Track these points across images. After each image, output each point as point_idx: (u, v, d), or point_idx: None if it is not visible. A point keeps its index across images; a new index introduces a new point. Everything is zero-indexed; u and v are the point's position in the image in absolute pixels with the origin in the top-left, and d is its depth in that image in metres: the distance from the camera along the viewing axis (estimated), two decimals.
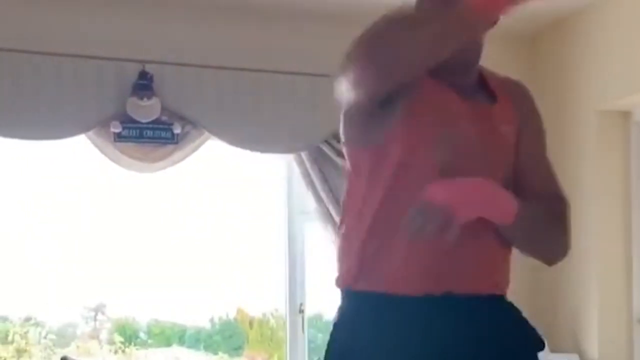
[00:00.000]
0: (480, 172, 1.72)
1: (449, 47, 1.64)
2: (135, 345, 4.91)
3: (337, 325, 1.82)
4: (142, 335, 5.07)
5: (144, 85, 3.94)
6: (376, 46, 1.66)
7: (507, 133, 1.82)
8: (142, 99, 3.94)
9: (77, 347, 4.84)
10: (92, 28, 3.97)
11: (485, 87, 1.85)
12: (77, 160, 4.23)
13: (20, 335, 4.70)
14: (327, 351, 1.82)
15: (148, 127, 3.99)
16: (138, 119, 3.97)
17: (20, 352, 4.68)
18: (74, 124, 3.95)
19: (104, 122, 3.98)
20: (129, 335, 4.94)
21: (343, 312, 1.82)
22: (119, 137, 3.99)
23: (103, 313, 5.00)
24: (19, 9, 3.93)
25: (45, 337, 4.77)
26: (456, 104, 1.77)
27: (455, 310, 1.73)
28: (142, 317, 5.07)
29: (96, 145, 4.05)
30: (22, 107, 3.89)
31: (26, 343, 4.72)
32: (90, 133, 4.01)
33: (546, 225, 1.81)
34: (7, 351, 4.64)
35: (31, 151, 4.13)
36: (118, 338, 4.85)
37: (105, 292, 4.85)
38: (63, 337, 4.93)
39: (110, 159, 4.05)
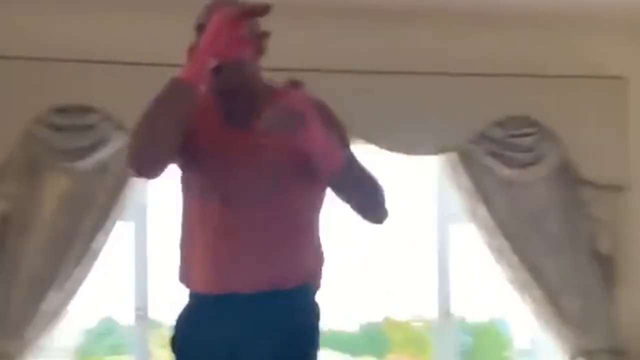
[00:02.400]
0: (242, 183, 2.00)
1: (173, 117, 1.93)
2: None
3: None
4: None
5: None
6: (129, 148, 1.98)
7: (266, 144, 1.99)
8: None
9: None
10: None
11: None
12: None
13: None
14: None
15: None
16: None
17: None
18: None
19: None
20: None
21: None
22: None
23: None
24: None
25: None
26: (225, 135, 2.05)
27: (231, 310, 1.98)
28: None
29: None
30: None
31: None
32: None
33: (365, 180, 2.09)
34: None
35: None
36: None
37: None
38: None
39: None
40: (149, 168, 1.97)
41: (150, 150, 1.93)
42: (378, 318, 5.09)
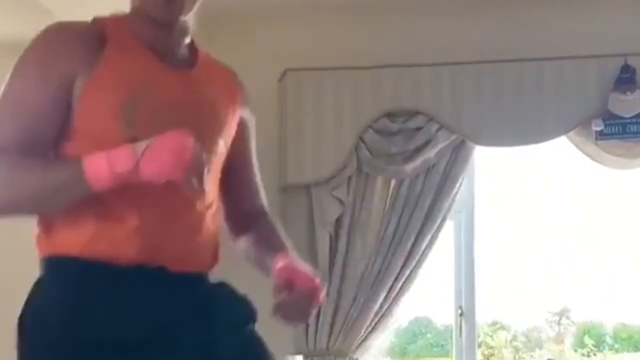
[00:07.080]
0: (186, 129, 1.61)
1: (59, 202, 1.65)
2: (601, 349, 4.77)
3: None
4: (608, 339, 4.90)
5: (626, 79, 3.83)
6: None
7: (215, 100, 1.76)
8: (624, 93, 3.83)
9: (549, 350, 4.81)
10: (574, 27, 3.94)
11: (194, 58, 1.79)
12: (556, 161, 4.21)
13: (490, 337, 4.79)
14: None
15: (632, 121, 3.87)
16: (621, 114, 3.87)
17: (489, 355, 4.77)
18: (556, 125, 3.93)
19: (585, 121, 3.91)
20: (594, 339, 4.82)
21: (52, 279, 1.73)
22: (600, 135, 3.90)
23: (567, 317, 4.93)
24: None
25: (512, 341, 4.81)
26: (151, 63, 1.70)
27: (163, 286, 1.69)
28: (608, 321, 4.91)
29: (576, 145, 4.00)
30: (504, 115, 3.95)
31: (492, 347, 4.79)
32: (571, 133, 3.97)
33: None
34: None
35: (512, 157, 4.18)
36: (589, 341, 4.74)
37: (570, 296, 4.76)
38: (529, 341, 4.94)
39: (592, 158, 3.98)
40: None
41: (15, 214, 1.69)
42: None
